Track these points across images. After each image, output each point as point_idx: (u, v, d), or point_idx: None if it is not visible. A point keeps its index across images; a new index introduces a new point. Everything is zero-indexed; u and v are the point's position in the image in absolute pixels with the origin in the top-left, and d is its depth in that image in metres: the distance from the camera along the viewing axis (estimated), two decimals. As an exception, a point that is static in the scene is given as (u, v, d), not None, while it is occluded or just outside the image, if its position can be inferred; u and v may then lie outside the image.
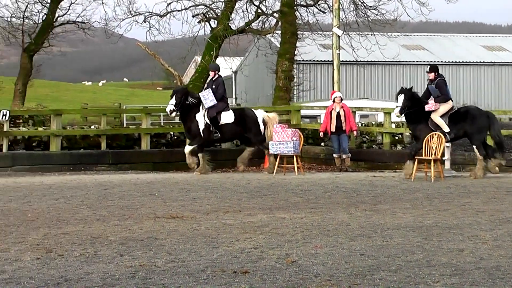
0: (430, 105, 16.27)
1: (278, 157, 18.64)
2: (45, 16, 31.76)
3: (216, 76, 19.30)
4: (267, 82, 38.07)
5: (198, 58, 31.80)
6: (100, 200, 13.12)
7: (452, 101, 17.17)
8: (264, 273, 7.09)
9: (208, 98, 18.64)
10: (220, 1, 29.71)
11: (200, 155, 18.84)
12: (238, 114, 19.75)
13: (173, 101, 18.59)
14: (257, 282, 6.70)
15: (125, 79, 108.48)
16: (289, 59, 27.69)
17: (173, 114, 19.02)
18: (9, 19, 32.73)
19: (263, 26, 30.34)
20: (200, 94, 19.30)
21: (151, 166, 20.82)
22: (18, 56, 36.43)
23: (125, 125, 31.54)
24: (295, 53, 28.39)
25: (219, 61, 28.45)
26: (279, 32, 29.06)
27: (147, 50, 30.31)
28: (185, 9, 30.06)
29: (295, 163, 18.13)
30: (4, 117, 19.70)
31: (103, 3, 34.60)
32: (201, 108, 18.88)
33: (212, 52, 28.11)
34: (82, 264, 7.63)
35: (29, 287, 6.74)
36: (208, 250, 8.39)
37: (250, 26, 30.13)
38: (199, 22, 30.05)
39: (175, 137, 22.63)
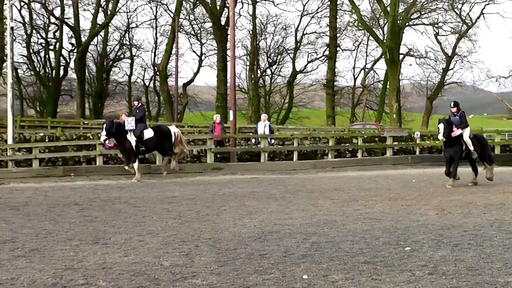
0: (456, 131, 20.26)
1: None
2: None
3: (139, 104, 24.76)
4: None
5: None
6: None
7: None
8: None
9: (130, 123, 23.62)
10: None
11: (135, 165, 23.52)
12: (156, 129, 24.95)
13: (103, 132, 23.54)
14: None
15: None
16: None
17: (107, 141, 24.05)
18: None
19: None
20: (125, 119, 24.08)
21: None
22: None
23: None
24: None
25: None
26: None
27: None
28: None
29: None
30: (417, 135, 31.58)
31: None
32: (128, 131, 23.82)
33: None
34: (461, 218, 13.65)
35: (433, 229, 12.04)
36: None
37: None
38: None
39: None
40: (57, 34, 69.73)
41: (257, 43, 72.58)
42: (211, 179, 23.59)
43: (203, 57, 73.83)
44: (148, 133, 24.30)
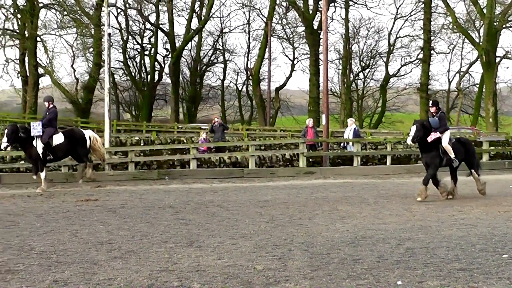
0: (432, 135, 17.55)
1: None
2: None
3: (51, 106, 22.41)
4: None
5: None
6: None
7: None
8: None
9: (35, 128, 21.55)
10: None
11: (42, 175, 21.66)
12: (68, 134, 22.68)
13: (4, 138, 21.48)
14: None
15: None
16: None
17: (8, 148, 22.15)
18: None
19: None
20: (31, 124, 22.16)
21: None
22: None
23: None
24: None
25: None
26: None
27: None
28: None
29: None
30: None
31: None
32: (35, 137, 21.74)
33: None
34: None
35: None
36: None
37: None
38: None
39: None
40: (152, 39, 71.09)
41: (350, 47, 72.22)
42: (304, 183, 23.56)
43: (295, 61, 74.02)
44: (58, 139, 22.15)
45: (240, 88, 78.88)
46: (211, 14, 69.26)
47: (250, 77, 72.04)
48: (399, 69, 75.03)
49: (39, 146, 21.59)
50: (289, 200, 17.87)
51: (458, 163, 18.01)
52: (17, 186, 23.28)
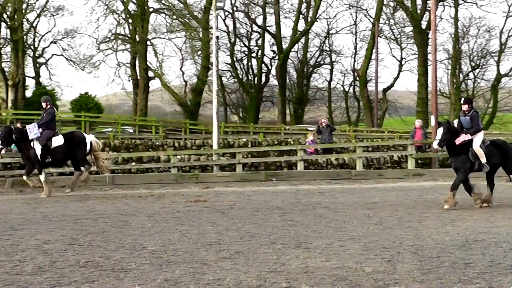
0: (461, 138, 16.11)
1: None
2: None
3: (48, 107, 21.42)
4: None
5: None
6: None
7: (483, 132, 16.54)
8: None
9: (32, 131, 20.85)
10: None
11: (41, 178, 20.93)
12: (67, 136, 21.73)
13: None
14: None
15: None
16: None
17: (2, 151, 21.33)
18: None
19: None
20: (27, 127, 21.36)
21: None
22: None
23: None
24: None
25: None
26: None
27: None
28: None
29: None
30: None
31: None
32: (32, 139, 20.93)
33: None
34: None
35: None
36: None
37: None
38: None
39: None
40: (259, 42, 71.60)
41: (459, 46, 70.65)
42: (412, 185, 23.23)
43: (403, 62, 73.01)
44: (57, 141, 21.35)
45: (347, 89, 78.33)
46: (317, 15, 69.22)
47: (357, 78, 71.60)
48: (511, 69, 72.93)
49: (37, 148, 20.92)
50: (398, 202, 17.65)
51: (488, 168, 16.40)
52: (128, 186, 23.90)
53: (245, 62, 73.47)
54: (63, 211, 16.26)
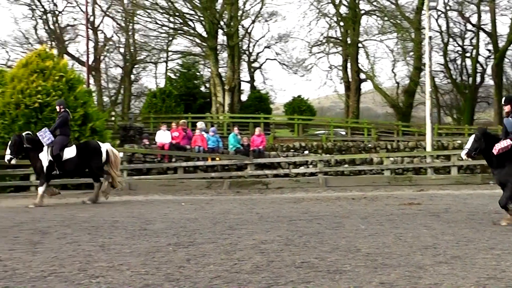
0: (498, 145, 13.23)
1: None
2: None
3: (62, 110, 20.13)
4: None
5: None
6: None
7: None
8: None
9: (45, 136, 19.62)
10: None
11: (40, 190, 19.75)
12: (81, 147, 20.56)
13: (8, 150, 19.73)
14: None
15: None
16: None
17: (13, 161, 19.94)
18: None
19: None
20: (38, 133, 20.01)
21: None
22: None
23: None
24: None
25: None
26: None
27: None
28: None
29: None
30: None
31: None
32: (45, 147, 19.72)
33: None
34: None
35: None
36: None
37: None
38: None
39: None
40: (474, 41, 69.55)
41: None
42: None
43: None
44: (70, 152, 20.10)
45: None
46: None
47: None
48: None
49: (44, 159, 19.80)
50: None
51: None
52: (341, 188, 24.07)
53: (458, 62, 71.70)
54: (278, 212, 16.67)
